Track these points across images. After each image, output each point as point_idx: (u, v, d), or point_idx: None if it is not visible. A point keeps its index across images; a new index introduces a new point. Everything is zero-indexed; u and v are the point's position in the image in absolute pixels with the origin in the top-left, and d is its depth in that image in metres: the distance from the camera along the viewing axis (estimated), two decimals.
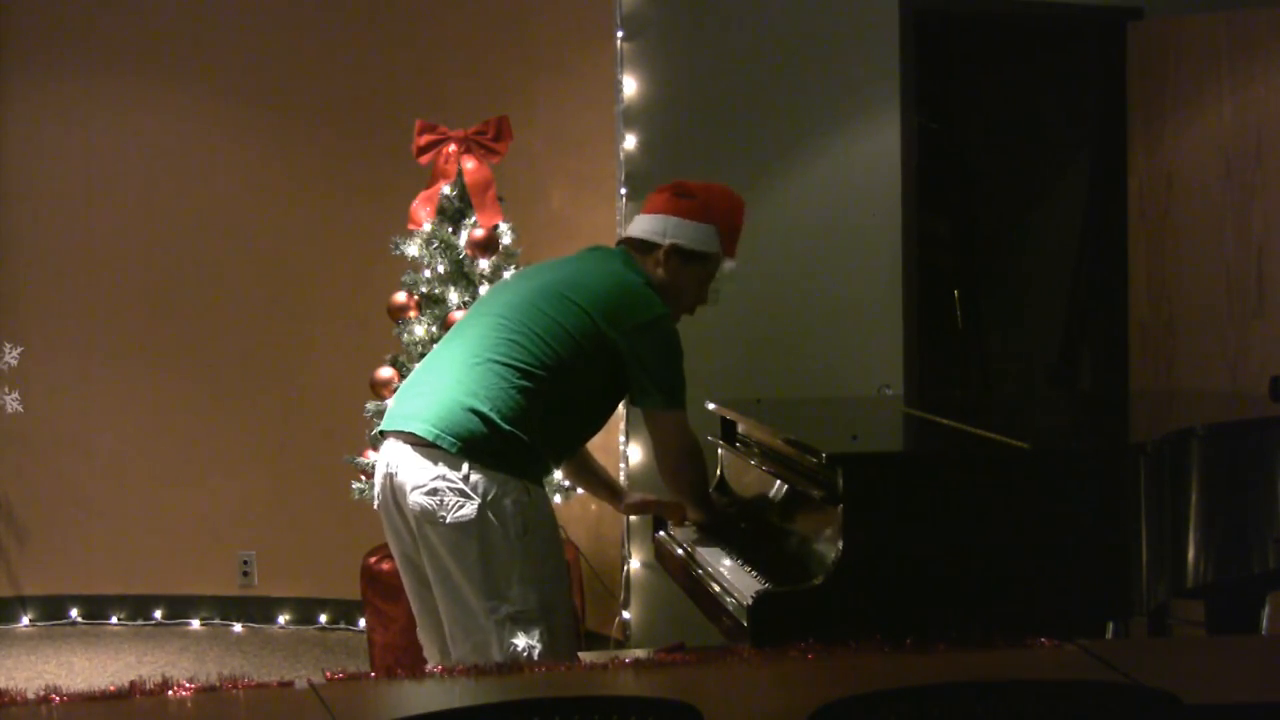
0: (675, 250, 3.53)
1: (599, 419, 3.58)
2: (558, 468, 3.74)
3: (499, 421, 3.29)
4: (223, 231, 6.08)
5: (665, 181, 3.74)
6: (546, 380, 3.34)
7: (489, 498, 3.27)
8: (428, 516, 3.29)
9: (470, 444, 3.28)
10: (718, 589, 3.42)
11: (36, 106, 6.08)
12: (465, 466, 3.27)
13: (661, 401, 3.42)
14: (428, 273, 5.10)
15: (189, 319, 6.09)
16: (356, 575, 5.27)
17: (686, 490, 3.72)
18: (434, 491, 3.28)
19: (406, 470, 3.33)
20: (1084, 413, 4.79)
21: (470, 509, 3.26)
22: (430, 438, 3.30)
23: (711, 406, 4.06)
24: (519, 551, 3.29)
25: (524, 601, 3.27)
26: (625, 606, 5.51)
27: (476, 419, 3.29)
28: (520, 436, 3.30)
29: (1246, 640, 3.66)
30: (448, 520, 3.26)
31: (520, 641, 3.25)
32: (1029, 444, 3.30)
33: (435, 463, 3.29)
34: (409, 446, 3.34)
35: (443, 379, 3.39)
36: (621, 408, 3.61)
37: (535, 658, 3.23)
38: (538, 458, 3.38)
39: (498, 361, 3.34)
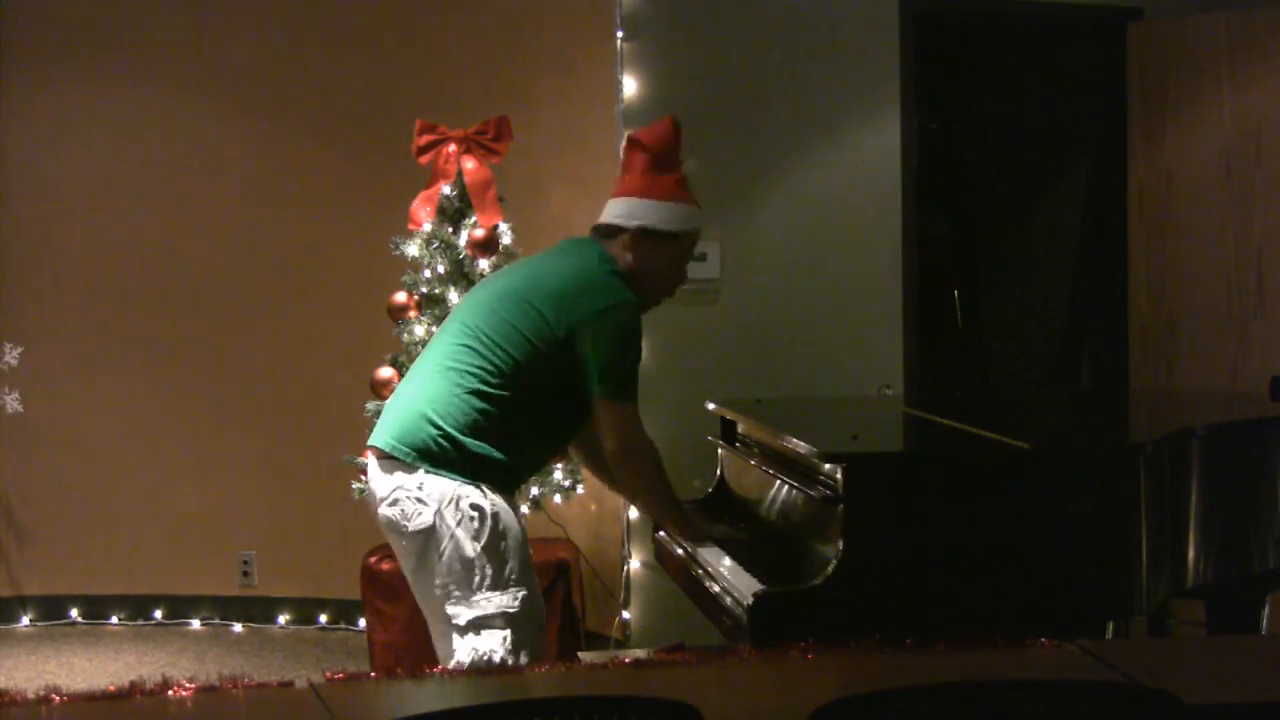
0: (643, 232, 3.41)
1: (566, 426, 3.49)
2: (529, 475, 3.66)
3: (449, 429, 3.28)
4: (223, 231, 6.08)
5: None
6: (501, 386, 3.30)
7: (444, 503, 3.27)
8: (393, 527, 3.32)
9: (424, 452, 3.29)
10: (718, 589, 3.42)
11: (37, 108, 6.08)
12: (420, 473, 3.29)
13: (607, 391, 3.28)
14: (428, 273, 5.10)
15: (189, 319, 6.09)
16: (356, 575, 5.27)
17: (641, 497, 3.61)
18: (395, 502, 3.31)
19: (374, 483, 3.38)
20: (1084, 413, 4.79)
21: (427, 515, 3.27)
22: (388, 449, 3.34)
23: (711, 406, 4.06)
24: (480, 556, 3.27)
25: (485, 606, 3.26)
26: (625, 606, 5.51)
27: (429, 427, 3.29)
28: (473, 442, 3.29)
29: (1246, 640, 3.66)
30: (409, 529, 3.29)
31: (482, 645, 3.24)
32: (1029, 444, 3.30)
33: (393, 473, 3.32)
34: (374, 459, 3.39)
35: (411, 389, 3.42)
36: None
37: (497, 662, 3.18)
38: (496, 464, 3.33)
39: (452, 369, 3.33)
